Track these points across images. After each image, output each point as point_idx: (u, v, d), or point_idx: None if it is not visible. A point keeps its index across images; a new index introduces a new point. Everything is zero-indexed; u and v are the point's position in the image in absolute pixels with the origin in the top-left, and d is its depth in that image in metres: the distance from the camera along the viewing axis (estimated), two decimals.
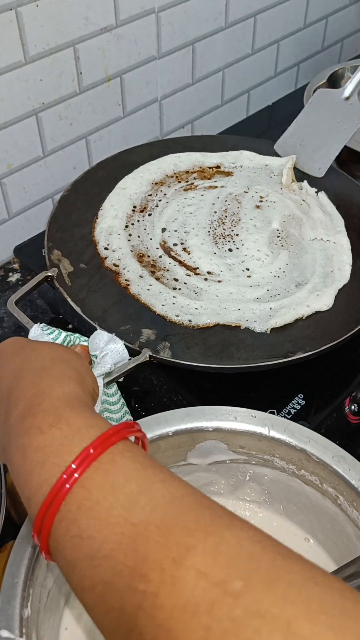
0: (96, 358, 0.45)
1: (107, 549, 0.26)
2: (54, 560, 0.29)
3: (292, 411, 0.52)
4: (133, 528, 0.26)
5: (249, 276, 0.58)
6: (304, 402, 0.53)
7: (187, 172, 0.68)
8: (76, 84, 0.73)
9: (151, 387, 0.59)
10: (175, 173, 0.67)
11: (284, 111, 1.00)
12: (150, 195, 0.64)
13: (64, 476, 0.28)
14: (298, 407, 0.52)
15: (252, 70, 0.95)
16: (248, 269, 0.59)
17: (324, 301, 0.56)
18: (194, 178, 0.68)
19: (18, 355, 0.37)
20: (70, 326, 0.68)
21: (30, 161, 0.74)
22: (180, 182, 0.67)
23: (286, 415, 0.52)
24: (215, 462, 0.46)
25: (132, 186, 0.64)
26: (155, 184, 0.65)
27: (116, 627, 0.25)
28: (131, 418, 0.49)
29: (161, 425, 0.44)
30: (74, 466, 0.28)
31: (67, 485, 0.28)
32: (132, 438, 0.32)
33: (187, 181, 0.68)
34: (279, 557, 0.24)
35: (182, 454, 0.46)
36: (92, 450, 0.28)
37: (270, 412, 0.52)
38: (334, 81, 0.85)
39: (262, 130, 0.96)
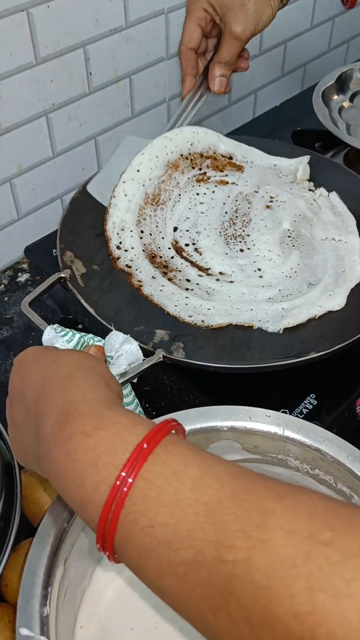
0: (111, 359, 0.45)
1: (184, 530, 0.27)
2: (119, 560, 0.30)
3: (305, 411, 0.52)
4: (206, 507, 0.27)
5: (260, 276, 0.58)
6: (316, 402, 0.53)
7: (202, 155, 0.67)
8: (86, 85, 0.74)
9: (162, 387, 0.59)
10: (190, 154, 0.66)
11: (291, 112, 1.00)
12: (164, 181, 0.63)
13: (123, 473, 0.28)
14: (310, 407, 0.53)
15: (259, 71, 0.96)
16: (260, 270, 0.59)
17: (336, 301, 0.56)
18: (207, 166, 0.67)
19: (40, 365, 0.37)
20: (80, 326, 0.68)
21: (39, 162, 0.74)
22: (194, 167, 0.66)
23: (298, 415, 0.52)
24: (230, 461, 0.47)
25: (146, 168, 0.62)
26: (170, 165, 0.64)
27: (205, 604, 0.26)
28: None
29: None
30: (130, 462, 0.28)
31: (130, 480, 0.28)
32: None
33: (200, 168, 0.67)
34: (351, 507, 0.26)
35: None
36: (145, 445, 0.29)
37: (283, 412, 0.52)
38: (342, 82, 0.86)
39: (269, 131, 0.96)
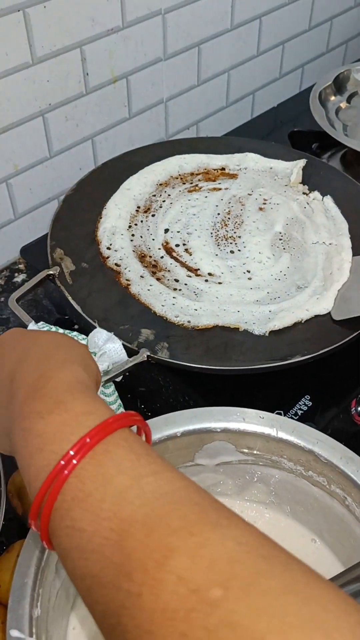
0: (94, 356, 0.45)
1: (95, 543, 0.26)
2: (53, 549, 0.30)
3: (299, 412, 0.52)
4: (120, 524, 0.26)
5: (249, 278, 0.58)
6: (311, 403, 0.53)
7: (192, 173, 0.68)
8: (82, 85, 0.74)
9: (157, 388, 0.59)
10: (180, 175, 0.67)
11: (288, 113, 1.00)
12: (155, 195, 0.64)
13: (61, 464, 0.28)
14: (305, 408, 0.52)
15: (257, 71, 0.95)
16: (249, 271, 0.59)
17: (324, 305, 0.56)
18: (199, 180, 0.68)
19: (19, 344, 0.37)
20: (76, 326, 0.68)
21: (36, 162, 0.74)
22: (184, 183, 0.67)
23: (293, 416, 0.52)
24: (223, 462, 0.47)
25: (136, 187, 0.64)
26: (160, 185, 0.65)
27: (102, 620, 0.26)
28: None
29: (169, 425, 0.44)
30: (71, 453, 0.28)
31: (66, 472, 0.28)
32: (135, 429, 0.32)
33: (191, 183, 0.68)
34: (262, 561, 0.24)
35: (189, 454, 0.46)
36: (88, 440, 0.28)
37: (277, 414, 0.52)
38: (340, 83, 0.85)
39: (267, 132, 0.96)
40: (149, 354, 0.50)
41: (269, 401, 0.52)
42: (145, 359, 0.50)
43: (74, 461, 0.28)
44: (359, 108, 0.84)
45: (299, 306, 0.55)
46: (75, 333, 0.46)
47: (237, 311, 0.55)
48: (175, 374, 0.54)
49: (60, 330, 0.46)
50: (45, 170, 0.75)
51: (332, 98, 0.84)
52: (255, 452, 0.45)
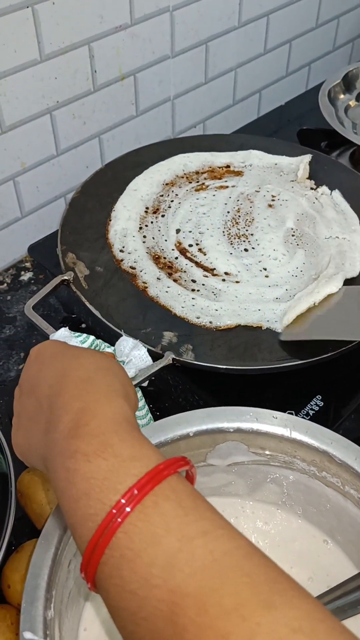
0: (123, 364, 0.45)
1: (147, 611, 0.26)
2: (99, 593, 0.29)
3: (311, 412, 0.52)
4: (171, 596, 0.25)
5: (266, 276, 0.58)
6: (323, 403, 0.52)
7: (197, 172, 0.68)
8: (90, 83, 0.73)
9: (166, 387, 0.58)
10: (185, 174, 0.67)
11: (295, 111, 0.99)
12: (162, 195, 0.64)
13: (112, 514, 0.27)
14: (317, 408, 0.52)
15: (264, 69, 0.95)
16: (265, 269, 0.58)
17: (334, 284, 0.55)
18: (205, 178, 0.68)
19: (58, 360, 0.36)
20: (83, 325, 0.68)
21: (43, 160, 0.73)
22: (191, 182, 0.67)
23: (304, 416, 0.51)
24: (235, 463, 0.46)
25: (142, 187, 0.63)
26: (166, 184, 0.65)
27: None
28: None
29: (182, 425, 0.44)
30: (122, 501, 0.27)
31: (117, 522, 0.27)
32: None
33: (197, 181, 0.67)
34: None
35: (201, 454, 0.45)
36: (136, 492, 0.28)
37: (289, 413, 0.51)
38: (349, 81, 0.85)
39: (273, 130, 0.95)
40: (174, 356, 0.49)
41: (279, 401, 0.52)
42: (171, 362, 0.49)
43: (120, 518, 0.27)
44: None
45: (309, 292, 0.55)
46: (100, 340, 0.46)
47: (257, 310, 0.54)
48: (186, 374, 0.54)
49: (91, 338, 0.45)
50: (52, 168, 0.75)
51: (341, 96, 0.84)
52: (268, 452, 0.45)
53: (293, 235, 0.62)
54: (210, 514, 0.28)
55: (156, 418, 0.57)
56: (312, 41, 1.00)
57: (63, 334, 0.46)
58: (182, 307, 0.54)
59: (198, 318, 0.53)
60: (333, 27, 1.03)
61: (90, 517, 0.28)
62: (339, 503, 0.44)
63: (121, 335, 0.50)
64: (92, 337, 0.46)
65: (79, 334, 0.46)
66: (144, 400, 0.48)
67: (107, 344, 0.48)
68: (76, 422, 0.31)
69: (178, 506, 0.28)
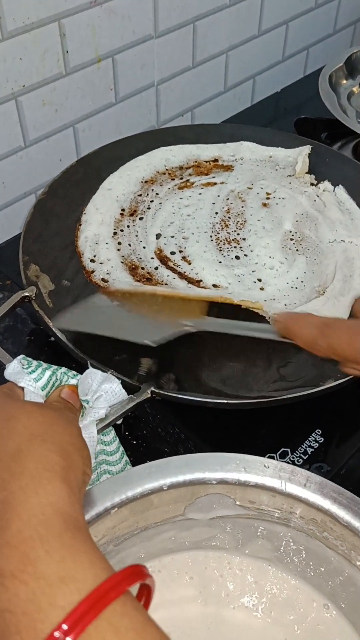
0: (87, 403, 0.38)
1: None
2: None
3: (309, 450, 0.44)
4: None
5: (262, 289, 0.50)
6: (323, 439, 0.45)
7: (181, 167, 0.60)
8: (62, 65, 0.65)
9: (144, 414, 0.51)
10: (167, 169, 0.59)
11: (292, 99, 0.92)
12: (140, 195, 0.56)
13: None
14: (316, 445, 0.45)
15: (258, 53, 0.88)
16: (260, 280, 0.51)
17: (339, 313, 0.48)
18: (189, 174, 0.60)
19: None
20: (52, 338, 0.60)
21: (9, 152, 0.66)
22: (173, 179, 0.59)
23: (302, 455, 0.44)
24: (220, 516, 0.39)
25: (118, 186, 0.56)
26: (145, 182, 0.57)
27: None
28: (130, 466, 0.41)
29: (153, 476, 0.36)
30: None
31: None
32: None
33: (181, 178, 0.59)
34: None
35: (179, 509, 0.38)
36: (59, 637, 0.21)
37: (284, 452, 0.44)
38: (352, 65, 0.77)
39: (268, 119, 0.88)
40: (153, 389, 0.42)
41: (274, 437, 0.45)
42: (150, 395, 0.42)
43: None
44: None
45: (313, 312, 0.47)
46: (64, 370, 0.39)
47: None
48: (166, 405, 0.46)
49: (48, 371, 0.38)
50: (20, 161, 0.67)
51: (344, 82, 0.76)
52: (258, 506, 0.37)
53: (292, 240, 0.55)
54: None
55: (133, 447, 0.50)
56: (311, 23, 0.93)
57: (14, 369, 0.38)
58: None
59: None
60: (334, 7, 0.96)
61: None
62: (344, 569, 0.37)
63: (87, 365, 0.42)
64: (49, 371, 0.38)
65: (33, 368, 0.38)
66: (117, 441, 0.41)
67: (73, 373, 0.40)
68: None
69: None
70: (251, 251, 0.53)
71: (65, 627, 0.21)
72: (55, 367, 0.40)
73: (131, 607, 0.22)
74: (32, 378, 0.37)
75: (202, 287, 0.50)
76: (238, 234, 0.54)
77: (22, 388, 0.37)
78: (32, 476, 0.26)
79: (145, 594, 0.26)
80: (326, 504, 0.35)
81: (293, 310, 0.48)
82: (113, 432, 0.41)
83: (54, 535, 0.24)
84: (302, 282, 0.51)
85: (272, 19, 0.86)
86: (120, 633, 0.21)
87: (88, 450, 0.31)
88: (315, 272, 0.51)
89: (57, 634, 0.21)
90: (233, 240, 0.54)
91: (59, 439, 0.28)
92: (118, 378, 0.41)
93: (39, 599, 0.22)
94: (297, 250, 0.54)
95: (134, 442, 0.52)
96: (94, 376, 0.39)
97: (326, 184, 0.59)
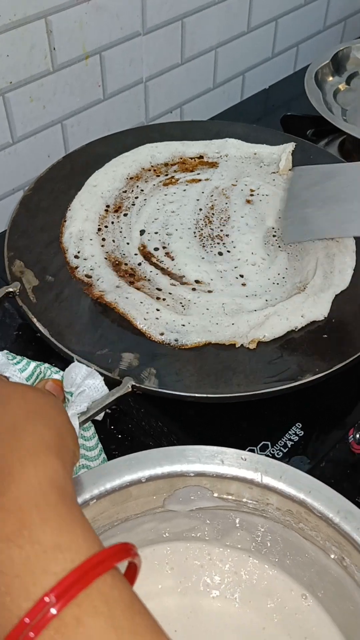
0: (71, 396, 0.39)
1: None
2: None
3: (289, 443, 0.45)
4: None
5: (243, 284, 0.51)
6: (303, 432, 0.46)
7: (167, 164, 0.60)
8: (49, 61, 0.65)
9: (128, 409, 0.52)
10: (152, 166, 0.59)
11: (281, 96, 0.92)
12: (125, 192, 0.56)
13: (14, 633, 0.21)
14: (296, 438, 0.45)
15: (248, 50, 0.88)
16: (242, 276, 0.51)
17: (320, 310, 0.49)
18: (175, 171, 0.60)
19: None
20: (39, 334, 0.61)
21: None
22: (158, 175, 0.59)
23: (282, 448, 0.45)
24: (199, 508, 0.39)
25: (103, 182, 0.56)
26: (131, 178, 0.58)
27: None
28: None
29: (133, 469, 0.37)
30: (27, 620, 0.21)
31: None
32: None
33: (166, 174, 0.60)
34: None
35: (158, 500, 0.39)
36: (53, 599, 0.21)
37: (264, 445, 0.45)
38: (338, 62, 0.77)
39: (257, 116, 0.88)
40: (133, 383, 0.43)
41: (255, 430, 0.45)
42: (130, 389, 0.43)
43: (31, 636, 0.21)
44: None
45: (293, 311, 0.48)
46: (47, 365, 0.40)
47: (231, 324, 0.47)
48: (147, 400, 0.47)
49: (32, 363, 0.39)
50: (7, 157, 0.67)
51: (330, 79, 0.76)
52: (237, 498, 0.38)
53: (274, 236, 0.55)
54: (149, 627, 0.22)
55: (118, 441, 0.51)
56: (300, 19, 0.93)
57: (0, 360, 0.39)
58: (145, 319, 0.47)
59: (162, 335, 0.46)
60: (324, 4, 0.96)
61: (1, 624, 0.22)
62: (320, 559, 0.37)
63: (72, 360, 0.43)
64: (33, 364, 0.39)
65: (18, 360, 0.39)
66: (96, 437, 0.41)
67: (55, 369, 0.41)
68: None
69: (109, 626, 0.21)
70: (234, 247, 0.53)
71: (56, 592, 0.21)
72: (39, 362, 0.41)
73: (120, 580, 0.23)
74: (17, 369, 0.38)
75: (185, 283, 0.51)
76: (221, 230, 0.55)
77: (7, 378, 0.38)
78: (29, 450, 0.26)
79: (131, 575, 0.26)
80: (301, 495, 0.35)
81: (273, 307, 0.48)
82: (93, 427, 0.41)
83: (51, 505, 0.24)
84: (283, 278, 0.51)
85: (261, 15, 0.86)
86: (109, 603, 0.22)
87: (76, 434, 0.32)
88: (296, 269, 0.52)
89: (47, 598, 0.21)
90: (216, 236, 0.54)
91: (53, 417, 0.29)
92: (99, 372, 0.42)
93: (33, 563, 0.22)
94: (279, 246, 0.54)
95: (119, 435, 0.53)
96: (78, 370, 0.39)
97: None
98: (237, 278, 0.51)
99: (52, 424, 0.29)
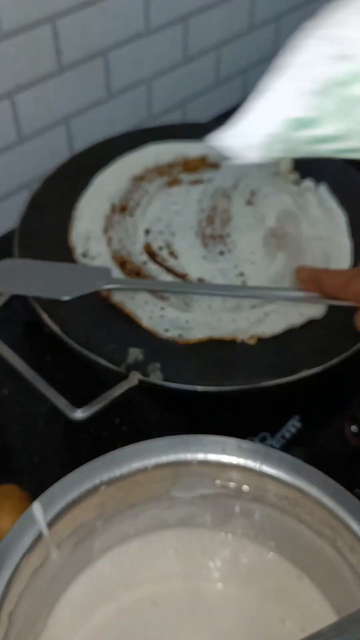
0: None
1: None
2: None
3: (288, 435, 0.47)
4: None
5: (243, 282, 0.53)
6: (301, 424, 0.48)
7: (170, 164, 0.62)
8: (55, 64, 0.67)
9: (134, 402, 0.54)
10: (157, 166, 0.61)
11: None
12: (131, 192, 0.58)
13: None
14: (294, 429, 0.48)
15: (249, 48, 0.89)
16: (242, 274, 0.53)
17: (317, 308, 0.51)
18: (178, 171, 0.62)
19: None
20: (47, 331, 0.63)
21: (4, 148, 0.67)
22: (163, 176, 0.61)
23: (281, 438, 0.47)
24: (200, 495, 0.42)
25: (109, 182, 0.58)
26: (136, 179, 0.59)
27: None
28: None
29: (140, 456, 0.39)
30: None
31: None
32: None
33: (170, 175, 0.62)
34: None
35: (163, 487, 0.41)
36: None
37: (263, 436, 0.47)
38: None
39: None
40: (140, 377, 0.45)
41: (254, 422, 0.48)
42: (137, 383, 0.45)
43: None
44: None
45: (291, 309, 0.50)
46: None
47: (232, 320, 0.50)
48: (152, 393, 0.49)
49: None
50: (14, 156, 0.69)
51: None
52: (237, 484, 0.40)
53: (274, 236, 0.57)
54: None
55: (124, 433, 0.53)
56: (305, 18, 0.93)
57: None
58: (150, 318, 0.49)
59: (167, 331, 0.49)
60: (325, 4, 0.96)
61: None
62: (314, 542, 0.40)
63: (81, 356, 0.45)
64: None
65: None
66: None
67: None
68: None
69: None
70: (235, 246, 0.55)
71: None
72: None
73: None
74: None
75: (188, 280, 0.53)
76: (223, 230, 0.57)
77: None
78: None
79: None
80: (297, 480, 0.38)
81: (273, 305, 0.50)
82: None
83: None
84: (282, 276, 0.53)
85: (264, 12, 0.87)
86: None
87: None
88: (294, 267, 0.54)
89: None
90: (218, 236, 0.56)
91: None
92: (107, 367, 0.44)
93: None
94: (278, 246, 0.56)
95: (125, 427, 0.55)
96: None
97: (308, 182, 0.61)
98: (237, 276, 0.53)
99: None
